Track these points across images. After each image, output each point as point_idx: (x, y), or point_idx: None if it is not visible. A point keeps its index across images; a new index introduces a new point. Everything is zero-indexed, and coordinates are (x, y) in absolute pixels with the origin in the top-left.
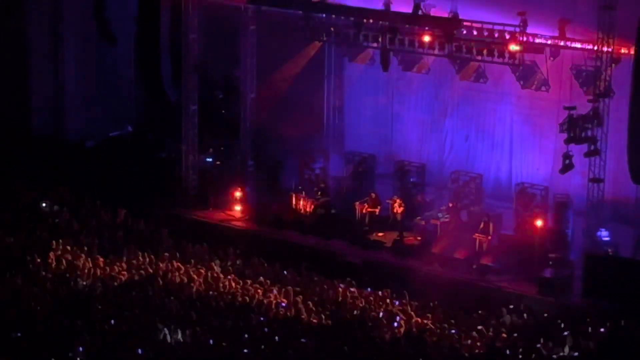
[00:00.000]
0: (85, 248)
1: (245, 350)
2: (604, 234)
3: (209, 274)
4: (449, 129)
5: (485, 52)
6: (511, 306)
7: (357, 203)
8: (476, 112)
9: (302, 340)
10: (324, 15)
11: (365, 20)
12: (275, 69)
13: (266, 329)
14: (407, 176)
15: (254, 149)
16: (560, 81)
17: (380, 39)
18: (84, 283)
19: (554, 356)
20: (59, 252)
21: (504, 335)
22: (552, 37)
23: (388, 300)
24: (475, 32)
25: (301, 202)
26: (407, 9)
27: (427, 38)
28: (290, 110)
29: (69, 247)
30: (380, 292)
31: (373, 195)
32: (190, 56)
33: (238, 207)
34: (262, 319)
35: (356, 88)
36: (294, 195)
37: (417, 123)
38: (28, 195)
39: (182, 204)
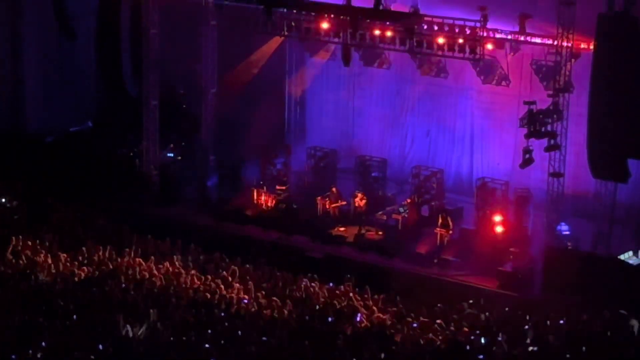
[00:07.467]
0: (46, 244)
1: (207, 346)
2: (564, 228)
3: (171, 270)
4: (410, 124)
5: (446, 47)
6: (471, 300)
7: (319, 198)
8: (437, 107)
9: (264, 335)
10: (284, 10)
11: (326, 15)
12: (236, 64)
13: (227, 324)
14: (368, 171)
15: (216, 144)
16: (520, 76)
17: (341, 34)
18: (45, 279)
19: (514, 350)
20: (19, 248)
21: (465, 329)
22: (512, 32)
23: (350, 295)
24: (436, 27)
25: (263, 198)
26: (369, 3)
27: (388, 33)
28: (251, 105)
29: (28, 243)
30: (342, 287)
31: (335, 190)
32: (150, 51)
33: None
34: (223, 314)
35: (317, 83)
36: (255, 190)
37: (379, 118)
38: None
39: (142, 199)
